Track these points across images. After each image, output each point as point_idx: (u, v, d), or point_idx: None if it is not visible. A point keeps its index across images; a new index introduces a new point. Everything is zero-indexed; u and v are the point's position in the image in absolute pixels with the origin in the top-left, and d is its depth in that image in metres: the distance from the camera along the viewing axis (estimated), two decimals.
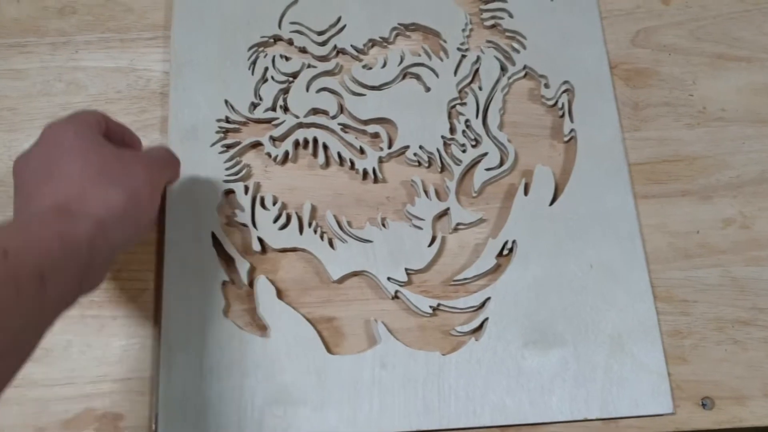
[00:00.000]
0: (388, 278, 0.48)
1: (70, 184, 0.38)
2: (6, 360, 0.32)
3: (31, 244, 0.34)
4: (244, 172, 0.50)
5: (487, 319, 0.46)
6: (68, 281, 0.35)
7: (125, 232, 0.39)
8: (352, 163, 0.51)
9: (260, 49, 0.54)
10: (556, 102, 0.53)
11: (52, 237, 0.35)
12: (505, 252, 0.49)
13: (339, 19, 0.54)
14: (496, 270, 0.49)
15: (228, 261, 0.48)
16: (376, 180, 0.51)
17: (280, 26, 0.54)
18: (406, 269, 0.48)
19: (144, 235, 0.43)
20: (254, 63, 0.53)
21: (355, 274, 0.48)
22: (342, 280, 0.48)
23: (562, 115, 0.52)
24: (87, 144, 0.40)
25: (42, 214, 0.37)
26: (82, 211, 0.37)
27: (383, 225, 0.49)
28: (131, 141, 0.46)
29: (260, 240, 0.49)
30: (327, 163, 0.51)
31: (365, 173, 0.51)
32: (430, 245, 0.49)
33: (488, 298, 0.47)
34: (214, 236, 0.49)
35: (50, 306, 0.35)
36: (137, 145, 0.46)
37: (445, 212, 0.50)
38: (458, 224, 0.49)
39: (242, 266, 0.48)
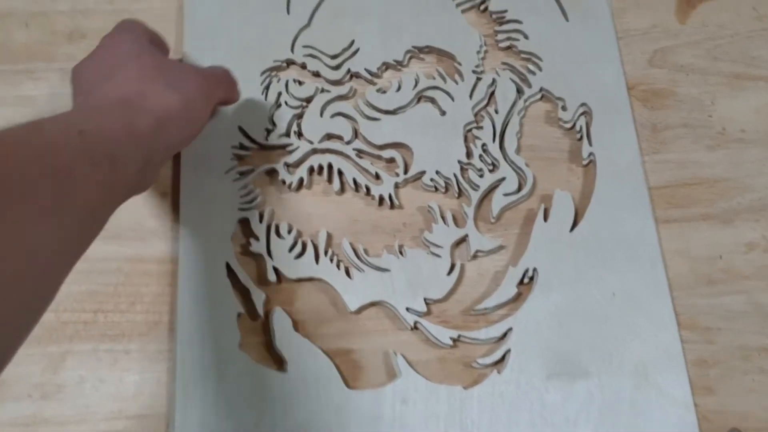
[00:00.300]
0: (407, 308, 0.47)
1: (130, 84, 0.40)
2: (82, 235, 0.34)
3: (102, 129, 0.36)
4: (258, 199, 0.49)
5: (509, 350, 0.45)
6: (132, 170, 0.37)
7: (180, 134, 0.41)
8: (368, 189, 0.50)
9: (273, 73, 0.53)
10: (574, 125, 0.52)
11: (119, 125, 0.37)
12: (526, 280, 0.48)
13: (352, 43, 0.53)
14: (517, 298, 0.48)
15: (243, 292, 0.47)
16: (392, 206, 0.50)
17: (292, 50, 0.53)
18: (425, 299, 0.47)
19: (190, 142, 0.44)
20: (267, 88, 0.52)
21: (372, 304, 0.47)
22: (360, 310, 0.47)
23: (580, 138, 0.52)
24: (143, 49, 0.43)
25: (109, 105, 0.38)
26: (144, 107, 0.39)
27: (401, 253, 0.48)
28: (167, 52, 0.48)
29: (275, 270, 0.48)
30: (342, 189, 0.50)
31: (381, 199, 0.50)
32: (449, 274, 0.48)
33: (510, 329, 0.46)
34: (228, 266, 0.48)
35: (118, 189, 0.37)
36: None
37: (463, 239, 0.49)
38: (477, 251, 0.48)
39: (258, 297, 0.47)
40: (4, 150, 0.30)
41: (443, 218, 0.49)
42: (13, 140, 0.31)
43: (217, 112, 0.51)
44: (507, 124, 0.52)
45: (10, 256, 0.28)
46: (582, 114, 0.52)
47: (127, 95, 0.39)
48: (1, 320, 0.28)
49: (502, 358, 0.46)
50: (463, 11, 0.55)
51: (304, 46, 0.53)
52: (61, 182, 0.32)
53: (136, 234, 0.49)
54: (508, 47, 0.54)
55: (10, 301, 0.28)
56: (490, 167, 0.50)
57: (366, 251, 0.49)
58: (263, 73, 0.52)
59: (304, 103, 0.52)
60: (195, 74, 0.44)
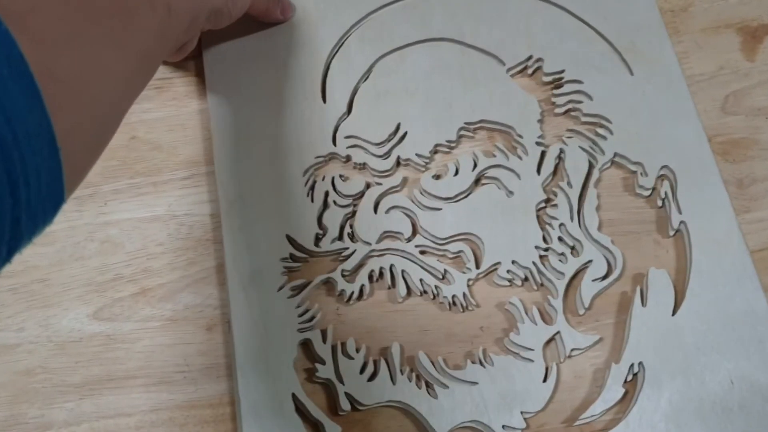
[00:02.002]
0: (503, 426, 0.41)
1: None
2: (137, 77, 0.36)
3: None
4: (318, 317, 0.44)
5: None
6: (183, 21, 0.40)
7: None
8: (438, 290, 0.45)
9: (316, 171, 0.47)
10: (654, 191, 0.46)
11: None
12: (629, 377, 0.42)
13: (398, 127, 0.48)
14: (623, 399, 0.42)
15: (314, 426, 0.42)
16: (465, 308, 0.44)
17: (334, 143, 0.48)
18: (522, 412, 0.41)
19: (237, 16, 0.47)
20: (312, 188, 0.47)
21: (463, 426, 0.42)
22: None
23: (662, 206, 0.46)
24: None
25: None
26: None
27: (486, 361, 0.43)
28: None
29: (348, 396, 0.42)
30: (408, 294, 0.45)
31: (454, 300, 0.44)
32: (544, 380, 0.42)
33: None
34: (294, 398, 0.42)
35: (170, 39, 0.40)
36: None
37: (553, 337, 0.43)
38: (573, 350, 0.43)
39: (333, 431, 0.41)
40: None
41: (529, 316, 0.44)
42: None
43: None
44: (583, 199, 0.46)
45: (92, 69, 0.31)
46: (663, 178, 0.47)
47: None
48: (84, 129, 0.30)
49: None
50: (512, 75, 0.50)
51: (347, 137, 0.48)
52: (125, 20, 0.34)
53: (185, 377, 0.44)
54: (568, 111, 0.49)
55: (93, 110, 0.31)
56: (572, 250, 0.45)
57: (445, 362, 0.43)
58: (305, 172, 0.47)
59: (355, 201, 0.47)
60: None
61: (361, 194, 0.47)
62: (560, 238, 0.45)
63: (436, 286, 0.45)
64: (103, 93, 0.32)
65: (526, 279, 0.45)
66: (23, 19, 0.27)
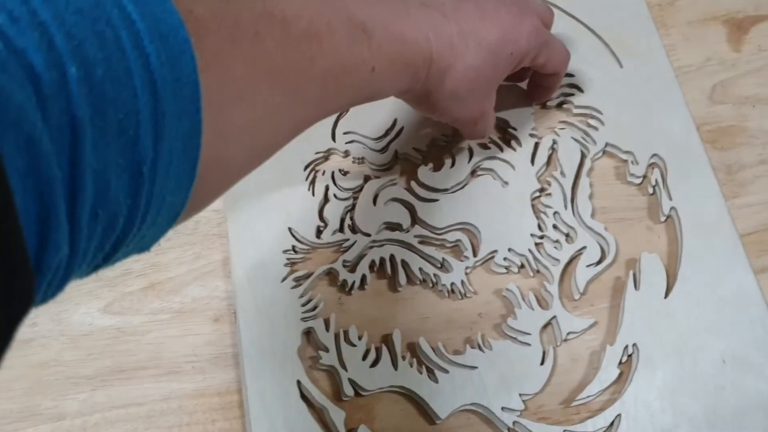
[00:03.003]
0: (503, 408, 0.42)
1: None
2: (311, 121, 0.34)
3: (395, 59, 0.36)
4: (321, 306, 0.45)
5: None
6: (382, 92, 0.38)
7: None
8: (437, 278, 0.46)
9: (316, 166, 0.49)
10: (645, 179, 0.48)
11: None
12: (624, 358, 0.44)
13: (395, 122, 0.50)
14: (618, 380, 0.43)
15: (319, 412, 0.43)
16: (464, 295, 0.46)
17: (333, 139, 0.49)
18: (520, 394, 0.43)
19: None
20: (313, 183, 0.48)
21: (464, 409, 0.43)
22: (450, 417, 0.43)
23: (653, 193, 0.48)
24: None
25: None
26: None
27: (485, 346, 0.44)
28: None
29: (351, 382, 0.43)
30: (408, 282, 0.46)
31: (453, 288, 0.46)
32: (542, 363, 0.43)
33: (618, 415, 0.42)
34: (299, 385, 0.43)
35: (382, 84, 0.36)
36: None
37: (550, 321, 0.45)
38: (569, 334, 0.44)
39: (337, 416, 0.43)
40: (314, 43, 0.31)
41: (525, 301, 0.45)
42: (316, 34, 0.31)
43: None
44: (577, 187, 0.48)
45: (266, 122, 0.30)
46: (654, 166, 0.48)
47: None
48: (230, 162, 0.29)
49: None
50: None
51: (345, 133, 0.49)
52: (329, 85, 0.32)
53: (194, 367, 0.45)
54: (561, 103, 0.50)
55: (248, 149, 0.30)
56: (567, 237, 0.46)
57: (445, 347, 0.44)
58: (306, 167, 0.49)
59: (355, 194, 0.48)
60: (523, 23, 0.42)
61: (361, 187, 0.48)
62: (555, 226, 0.47)
63: (434, 275, 0.46)
64: (268, 138, 0.31)
65: (522, 266, 0.46)
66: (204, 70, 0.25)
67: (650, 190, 0.48)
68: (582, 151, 0.48)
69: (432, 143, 0.50)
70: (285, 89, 0.30)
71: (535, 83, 0.47)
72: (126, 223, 0.24)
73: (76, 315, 0.47)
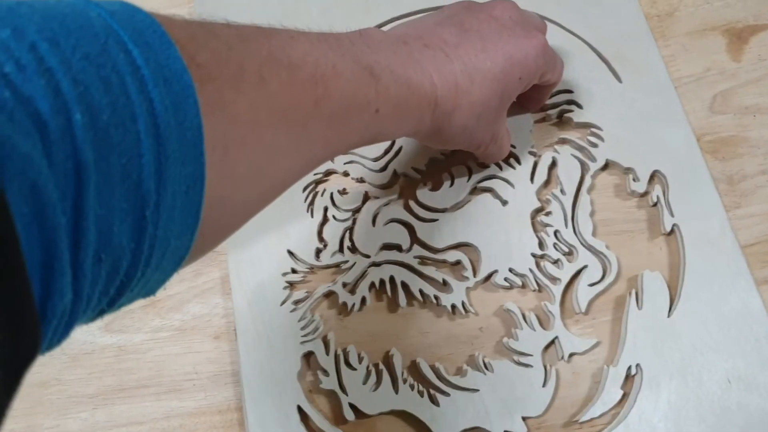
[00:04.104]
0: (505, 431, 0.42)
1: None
2: (320, 162, 0.34)
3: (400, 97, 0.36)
4: (321, 329, 0.45)
5: None
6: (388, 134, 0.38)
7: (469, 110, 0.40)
8: (437, 299, 0.46)
9: (315, 187, 0.49)
10: (647, 194, 0.47)
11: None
12: (627, 378, 0.43)
13: (393, 142, 0.49)
14: (622, 400, 0.43)
15: None
16: (466, 314, 0.45)
17: (332, 159, 0.49)
18: (523, 417, 0.42)
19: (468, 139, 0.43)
20: (312, 204, 0.48)
21: None
22: None
23: (654, 205, 0.47)
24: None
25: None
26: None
27: (486, 368, 0.44)
28: None
29: (352, 406, 0.43)
30: (409, 303, 0.46)
31: (453, 308, 0.45)
32: (544, 385, 0.43)
33: None
34: (300, 410, 0.43)
35: (387, 126, 0.36)
36: None
37: (552, 342, 0.44)
38: (571, 354, 0.44)
39: None
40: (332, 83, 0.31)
41: (527, 321, 0.44)
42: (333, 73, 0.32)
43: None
44: (577, 205, 0.47)
45: (273, 163, 0.30)
46: (655, 182, 0.47)
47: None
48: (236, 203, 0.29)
49: None
50: None
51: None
52: (334, 127, 0.32)
53: (195, 384, 0.45)
54: (559, 120, 0.50)
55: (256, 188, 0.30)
56: (568, 256, 0.46)
57: (446, 366, 0.44)
58: (305, 189, 0.48)
59: (354, 214, 0.48)
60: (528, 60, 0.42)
61: (359, 208, 0.48)
62: (555, 245, 0.46)
63: (435, 296, 0.46)
64: (273, 180, 0.31)
65: (523, 285, 0.46)
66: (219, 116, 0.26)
67: (652, 204, 0.47)
68: (582, 168, 0.48)
69: (431, 162, 0.49)
70: (290, 131, 0.30)
71: (527, 95, 0.47)
72: (129, 268, 0.23)
73: (77, 333, 0.46)
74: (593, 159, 0.48)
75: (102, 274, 0.22)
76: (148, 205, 0.23)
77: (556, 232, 0.46)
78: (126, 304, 0.26)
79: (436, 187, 0.48)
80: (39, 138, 0.19)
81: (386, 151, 0.49)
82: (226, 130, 0.26)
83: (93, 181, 0.21)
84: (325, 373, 0.44)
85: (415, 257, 0.47)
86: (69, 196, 0.20)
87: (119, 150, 0.21)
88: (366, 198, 0.48)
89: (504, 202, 0.47)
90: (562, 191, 0.47)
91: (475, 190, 0.48)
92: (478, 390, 0.43)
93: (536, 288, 0.45)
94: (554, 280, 0.45)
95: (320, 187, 0.49)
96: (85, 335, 0.46)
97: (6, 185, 0.17)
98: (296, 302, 0.46)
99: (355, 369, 0.44)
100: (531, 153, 0.49)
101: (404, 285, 0.46)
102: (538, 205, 0.47)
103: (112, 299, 0.24)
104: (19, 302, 0.17)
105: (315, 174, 0.49)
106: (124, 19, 0.23)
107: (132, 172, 0.22)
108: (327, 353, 0.44)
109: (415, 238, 0.47)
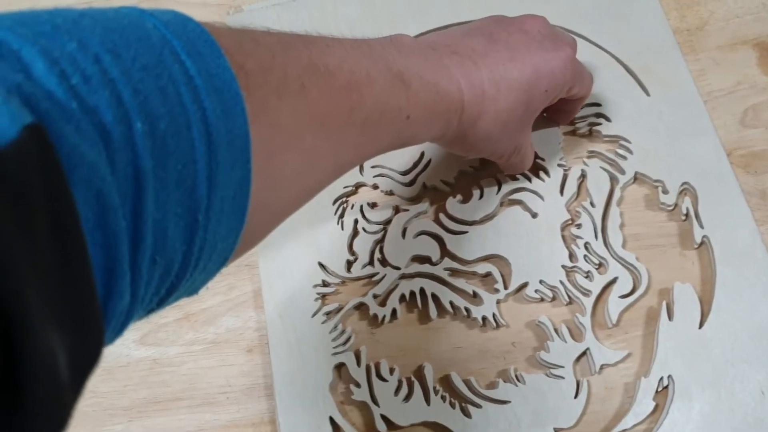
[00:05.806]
0: None
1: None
2: (351, 166, 0.35)
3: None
4: (352, 340, 0.46)
5: None
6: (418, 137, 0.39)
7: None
8: (468, 311, 0.46)
9: (345, 200, 0.49)
10: (676, 206, 0.47)
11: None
12: (660, 388, 0.43)
13: (422, 155, 0.50)
14: (654, 412, 0.43)
15: None
16: (497, 326, 0.46)
17: (361, 172, 0.50)
18: (555, 429, 0.42)
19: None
20: (342, 217, 0.49)
21: None
22: None
23: (685, 219, 0.47)
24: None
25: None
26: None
27: (518, 379, 0.44)
28: None
29: (384, 418, 0.43)
30: (439, 315, 0.46)
31: (484, 320, 0.46)
32: (576, 396, 0.43)
33: None
34: (332, 421, 0.43)
35: (416, 131, 0.37)
36: None
37: (583, 353, 0.44)
38: (602, 366, 0.44)
39: None
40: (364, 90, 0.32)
41: (558, 333, 0.45)
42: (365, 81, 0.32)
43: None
44: (606, 217, 0.47)
45: (309, 169, 0.31)
46: (685, 194, 0.48)
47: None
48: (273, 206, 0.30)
49: None
50: None
51: (373, 167, 0.50)
52: (367, 133, 0.33)
53: (228, 398, 0.45)
54: (589, 133, 0.50)
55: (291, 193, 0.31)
56: (599, 268, 0.46)
57: (478, 380, 0.44)
58: (335, 201, 0.49)
59: (384, 227, 0.48)
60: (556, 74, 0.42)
61: (389, 220, 0.48)
62: (586, 257, 0.46)
63: (466, 308, 0.46)
64: (311, 182, 0.32)
65: (554, 297, 0.46)
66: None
67: (682, 218, 0.47)
68: (611, 181, 0.48)
69: (460, 175, 0.50)
70: (328, 136, 0.31)
71: (557, 108, 0.47)
72: (180, 269, 0.24)
73: (112, 346, 0.46)
74: (622, 172, 0.48)
75: (156, 275, 0.23)
76: (200, 210, 0.24)
77: (586, 245, 0.47)
78: (172, 303, 0.26)
79: (465, 200, 0.48)
80: (103, 147, 0.20)
81: (415, 165, 0.50)
82: (270, 136, 0.27)
83: (151, 186, 0.21)
84: (357, 384, 0.44)
85: (445, 269, 0.47)
86: (129, 201, 0.21)
87: (175, 157, 0.22)
88: (396, 211, 0.49)
89: (534, 215, 0.48)
90: (591, 204, 0.48)
91: (504, 203, 0.48)
92: (509, 402, 0.43)
93: (567, 300, 0.46)
94: (585, 292, 0.45)
95: (350, 200, 0.49)
96: (119, 348, 0.47)
97: (74, 193, 0.18)
98: (327, 314, 0.46)
99: (386, 381, 0.44)
100: (560, 165, 0.49)
101: (434, 297, 0.46)
102: (567, 217, 0.47)
103: (161, 299, 0.25)
104: (87, 306, 0.18)
105: (345, 187, 0.49)
106: (177, 30, 0.24)
107: (187, 177, 0.23)
108: (358, 365, 0.45)
109: (445, 251, 0.48)
